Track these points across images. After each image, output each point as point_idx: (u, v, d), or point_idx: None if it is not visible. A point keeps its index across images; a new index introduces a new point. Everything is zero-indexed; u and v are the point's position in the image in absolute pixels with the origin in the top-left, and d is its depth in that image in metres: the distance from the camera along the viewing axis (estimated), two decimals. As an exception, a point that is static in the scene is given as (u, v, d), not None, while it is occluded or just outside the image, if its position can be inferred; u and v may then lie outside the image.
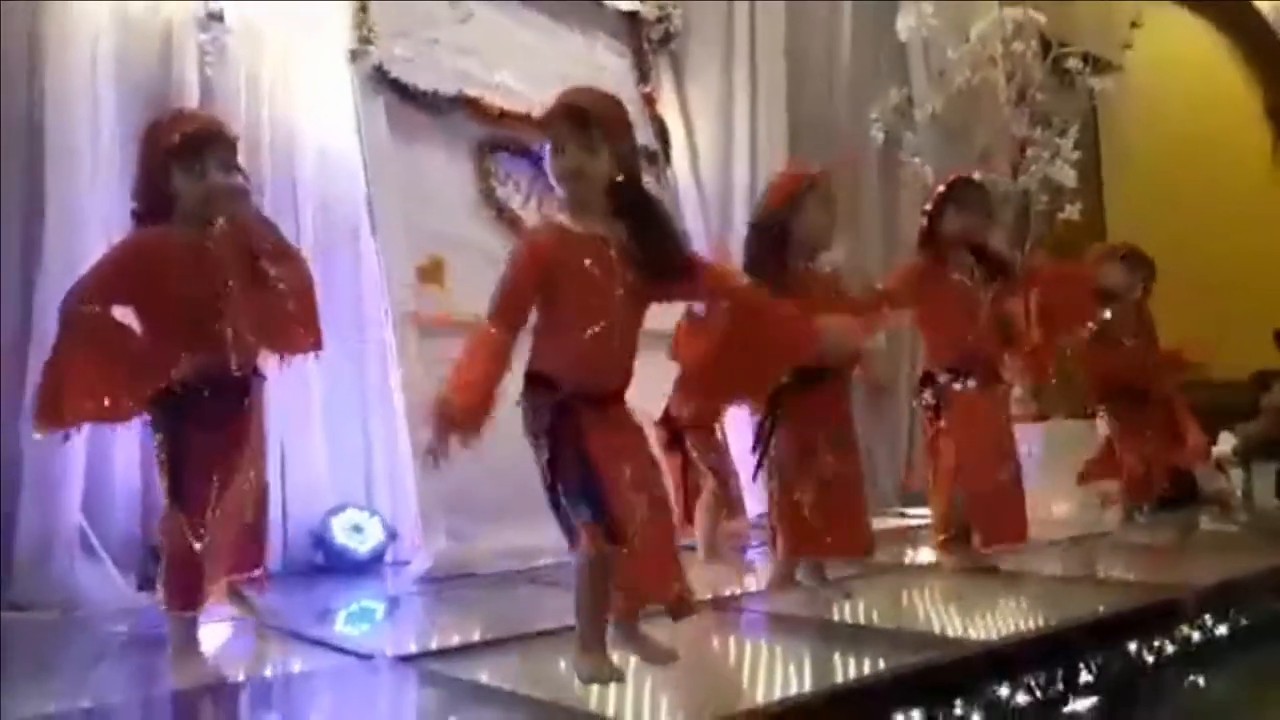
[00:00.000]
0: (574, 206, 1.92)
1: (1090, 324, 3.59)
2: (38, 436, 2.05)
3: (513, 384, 1.84)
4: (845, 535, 2.69)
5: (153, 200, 2.14)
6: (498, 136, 4.24)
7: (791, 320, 2.09)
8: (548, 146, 1.94)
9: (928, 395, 3.13)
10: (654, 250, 1.89)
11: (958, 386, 3.06)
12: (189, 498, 2.05)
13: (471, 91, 4.15)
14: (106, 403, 2.02)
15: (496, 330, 1.82)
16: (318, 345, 2.35)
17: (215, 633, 2.45)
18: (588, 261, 1.86)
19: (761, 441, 2.70)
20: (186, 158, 2.09)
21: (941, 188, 3.19)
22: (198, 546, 2.03)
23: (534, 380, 1.88)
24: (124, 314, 2.16)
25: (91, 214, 3.27)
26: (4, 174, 3.20)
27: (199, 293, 2.09)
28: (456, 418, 1.72)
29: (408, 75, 3.97)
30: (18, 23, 3.26)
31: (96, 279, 2.09)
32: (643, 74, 5.00)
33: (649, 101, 4.96)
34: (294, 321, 2.27)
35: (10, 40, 3.25)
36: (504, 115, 4.23)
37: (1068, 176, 5.25)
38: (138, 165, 2.18)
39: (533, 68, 4.40)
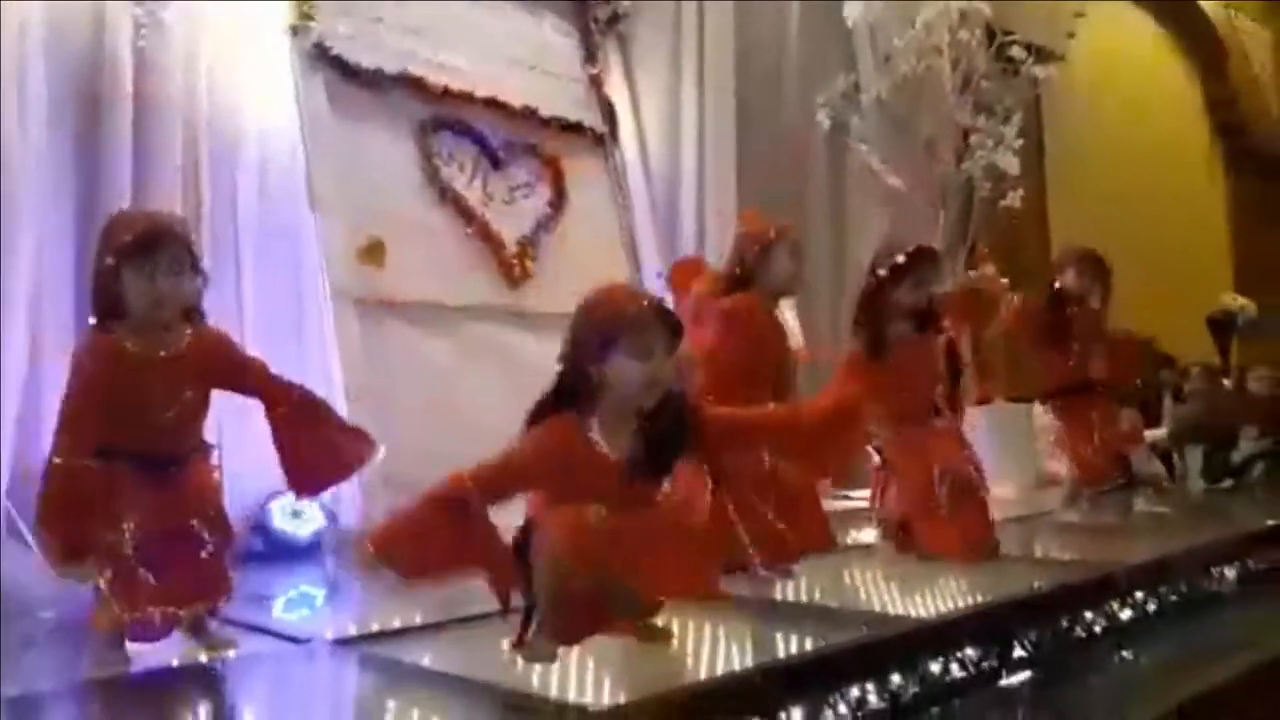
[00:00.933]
0: (612, 413, 1.87)
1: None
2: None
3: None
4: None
5: (106, 303, 2.07)
6: (441, 115, 4.19)
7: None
8: (622, 338, 1.82)
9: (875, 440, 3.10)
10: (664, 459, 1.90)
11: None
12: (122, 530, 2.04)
13: (415, 70, 4.11)
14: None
15: (474, 490, 1.82)
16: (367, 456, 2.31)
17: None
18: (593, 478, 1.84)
19: None
20: (136, 258, 2.02)
21: (901, 259, 3.00)
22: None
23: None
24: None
25: (21, 194, 3.18)
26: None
27: (137, 404, 2.06)
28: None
29: (349, 52, 3.91)
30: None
31: (67, 424, 2.07)
32: (590, 54, 4.97)
33: (596, 82, 4.94)
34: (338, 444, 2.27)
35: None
36: (448, 94, 4.19)
37: (1011, 164, 5.31)
38: (93, 267, 2.11)
39: (478, 46, 4.36)
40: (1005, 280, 3.16)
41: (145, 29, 3.55)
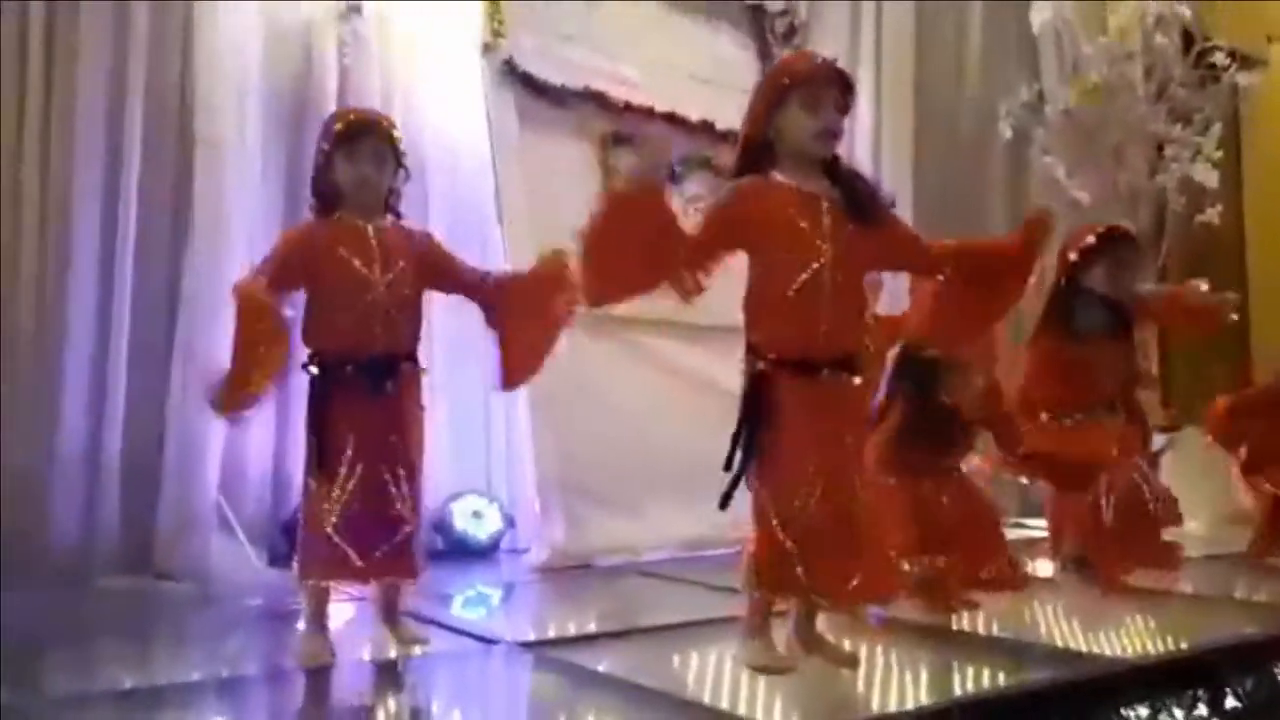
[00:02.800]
0: (794, 166, 1.93)
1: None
2: (222, 418, 2.15)
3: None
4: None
5: (320, 190, 2.23)
6: (621, 130, 4.26)
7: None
8: (801, 98, 1.90)
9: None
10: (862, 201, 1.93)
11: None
12: (326, 468, 2.10)
13: (598, 85, 4.18)
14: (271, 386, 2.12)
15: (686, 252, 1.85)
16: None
17: (340, 612, 2.52)
18: (793, 212, 1.88)
19: None
20: (345, 145, 2.18)
21: (1091, 239, 2.91)
22: (333, 518, 2.08)
23: (748, 347, 1.91)
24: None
25: (236, 207, 3.43)
26: (155, 172, 3.39)
27: (350, 274, 2.14)
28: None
29: (537, 69, 4.01)
30: (172, 24, 3.43)
31: (266, 265, 2.17)
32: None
33: (773, 95, 4.91)
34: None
35: (165, 40, 3.43)
36: (629, 108, 4.25)
37: (1209, 177, 5.03)
38: (313, 161, 2.27)
39: (657, 61, 4.40)
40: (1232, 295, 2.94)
41: (348, 47, 3.76)
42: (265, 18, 3.61)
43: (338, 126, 2.21)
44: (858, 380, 1.95)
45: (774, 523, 1.82)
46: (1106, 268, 2.87)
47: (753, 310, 1.94)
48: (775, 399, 1.85)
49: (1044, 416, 2.88)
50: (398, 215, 2.29)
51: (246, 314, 2.04)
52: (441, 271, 2.30)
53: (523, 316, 2.27)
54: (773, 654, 1.90)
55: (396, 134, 2.27)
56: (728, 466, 1.87)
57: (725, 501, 1.87)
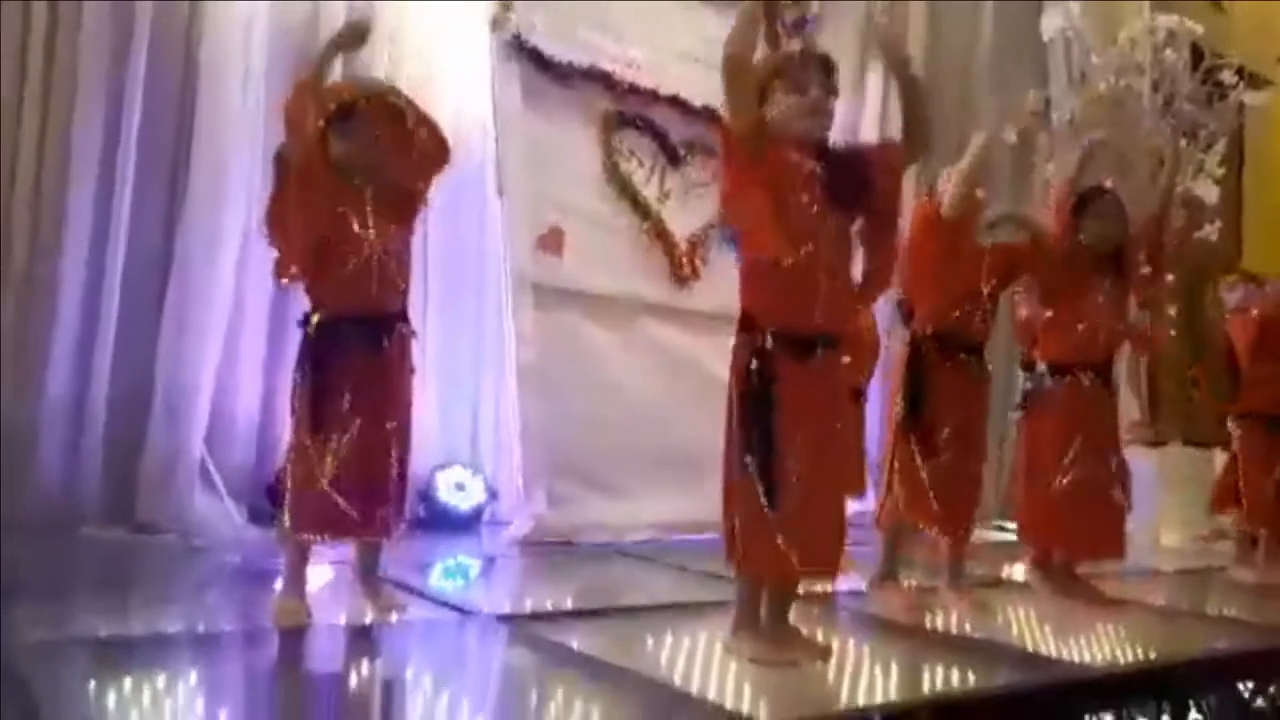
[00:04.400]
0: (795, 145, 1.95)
1: None
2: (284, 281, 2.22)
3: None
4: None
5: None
6: (625, 111, 4.25)
7: None
8: (784, 84, 1.95)
9: (1025, 384, 3.03)
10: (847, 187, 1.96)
11: (1058, 381, 2.92)
12: (318, 424, 2.12)
13: (604, 65, 4.17)
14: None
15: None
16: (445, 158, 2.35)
17: (318, 575, 2.52)
18: (796, 180, 1.91)
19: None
20: (339, 125, 2.20)
21: (1074, 199, 2.98)
22: (327, 473, 2.10)
23: (742, 319, 1.94)
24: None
25: (233, 170, 3.43)
26: (154, 127, 3.39)
27: (348, 230, 2.17)
28: None
29: (544, 45, 4.00)
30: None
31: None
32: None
33: (779, 86, 4.90)
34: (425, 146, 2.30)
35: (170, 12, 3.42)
36: (633, 90, 4.24)
37: (1209, 193, 5.05)
38: None
39: (665, 45, 4.39)
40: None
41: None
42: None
43: (331, 105, 2.21)
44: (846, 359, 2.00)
45: (761, 503, 1.84)
46: (1093, 219, 2.94)
47: (748, 277, 1.97)
48: (774, 375, 1.88)
49: None
50: None
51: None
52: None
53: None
54: (772, 646, 1.92)
55: (395, 100, 2.27)
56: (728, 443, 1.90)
57: None
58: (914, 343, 2.70)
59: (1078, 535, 2.87)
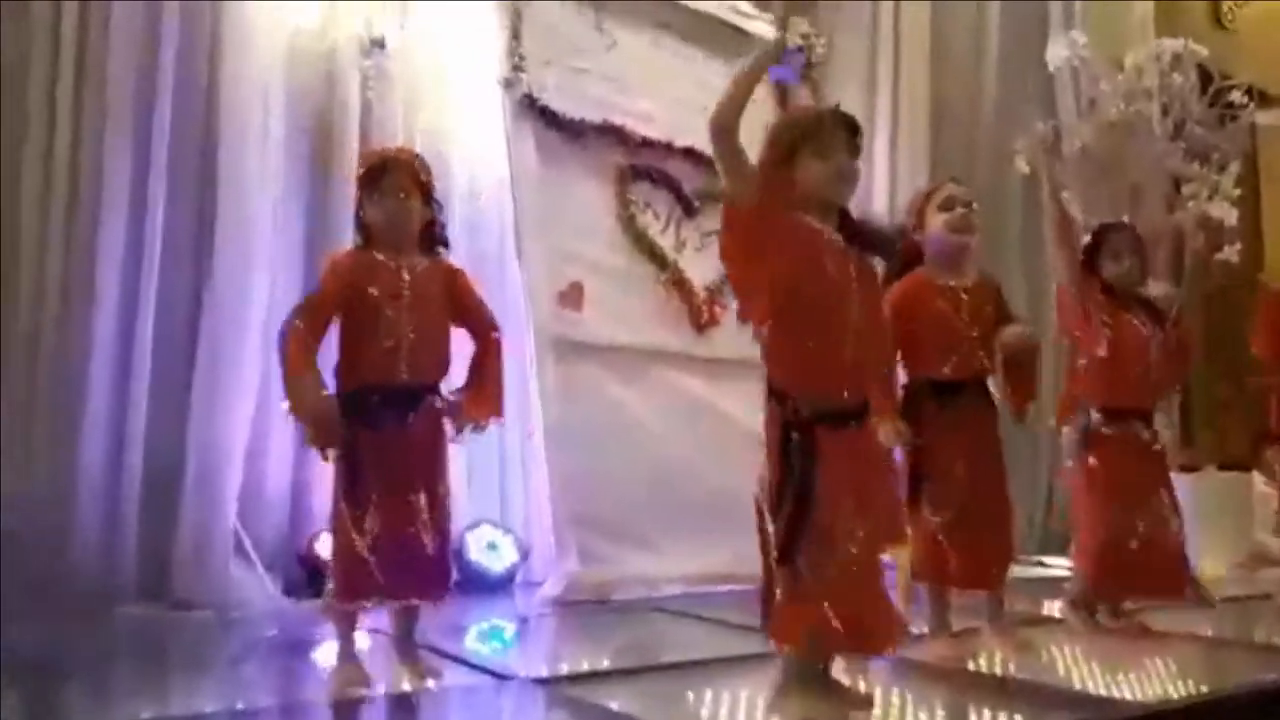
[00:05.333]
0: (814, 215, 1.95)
1: None
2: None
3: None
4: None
5: (359, 230, 2.33)
6: (639, 164, 4.29)
7: None
8: (812, 147, 1.94)
9: (1075, 432, 2.99)
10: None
11: (1110, 430, 2.89)
12: (353, 495, 2.16)
13: (616, 120, 4.22)
14: None
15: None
16: (497, 415, 2.39)
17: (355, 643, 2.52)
18: (828, 261, 1.91)
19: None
20: (368, 184, 2.29)
21: (1088, 238, 2.99)
22: (365, 542, 2.13)
23: (771, 392, 1.91)
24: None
25: (258, 238, 3.48)
26: (179, 194, 3.43)
27: (378, 312, 2.20)
28: None
29: (555, 103, 4.06)
30: (199, 51, 3.49)
31: (306, 309, 2.23)
32: (783, 104, 4.98)
33: (789, 131, 4.94)
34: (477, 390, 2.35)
35: (192, 65, 3.48)
36: (646, 143, 4.29)
37: (1228, 214, 5.02)
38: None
39: (674, 95, 4.44)
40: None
41: (371, 79, 3.82)
42: (290, 53, 3.67)
43: (361, 169, 2.34)
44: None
45: (806, 578, 1.82)
46: (1109, 257, 2.92)
47: (777, 352, 1.93)
48: (815, 450, 1.85)
49: None
50: (445, 245, 2.38)
51: (292, 388, 2.13)
52: (462, 310, 2.37)
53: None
54: (821, 702, 1.88)
55: (420, 168, 2.34)
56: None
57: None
58: (909, 390, 2.61)
59: (1149, 581, 2.82)
